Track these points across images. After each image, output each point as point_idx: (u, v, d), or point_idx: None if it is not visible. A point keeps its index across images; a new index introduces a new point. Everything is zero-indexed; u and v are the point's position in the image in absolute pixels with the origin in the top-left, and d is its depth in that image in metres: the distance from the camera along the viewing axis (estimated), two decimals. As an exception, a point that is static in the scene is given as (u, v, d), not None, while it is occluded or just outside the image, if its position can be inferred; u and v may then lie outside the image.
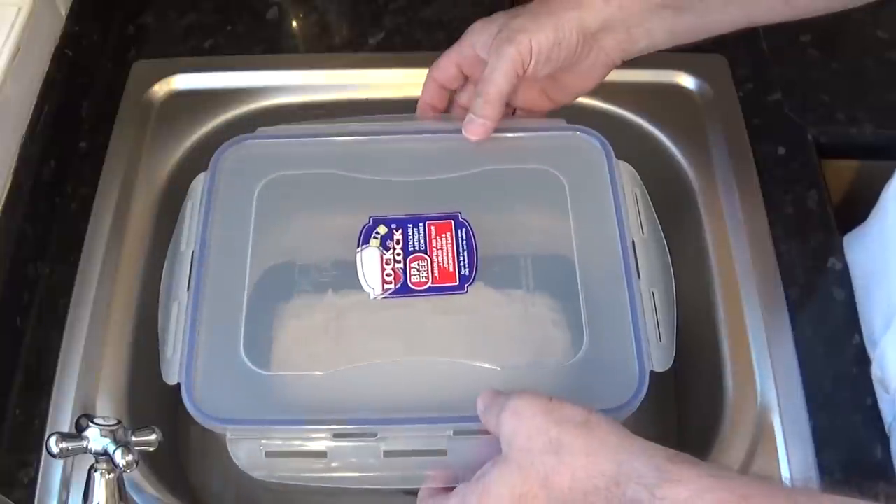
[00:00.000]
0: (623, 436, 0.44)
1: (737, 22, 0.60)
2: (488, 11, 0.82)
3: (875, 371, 0.62)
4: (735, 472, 0.43)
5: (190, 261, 0.62)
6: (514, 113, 0.66)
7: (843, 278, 0.67)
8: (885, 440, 0.61)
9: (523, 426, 0.46)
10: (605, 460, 0.43)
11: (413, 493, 0.70)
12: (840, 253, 0.68)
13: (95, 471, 0.54)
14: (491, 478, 0.46)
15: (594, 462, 0.43)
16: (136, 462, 0.53)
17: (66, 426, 0.61)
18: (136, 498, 0.60)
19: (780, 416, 0.62)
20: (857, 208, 0.79)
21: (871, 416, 0.62)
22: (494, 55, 0.59)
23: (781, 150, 0.73)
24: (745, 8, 0.59)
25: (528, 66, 0.58)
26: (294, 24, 0.83)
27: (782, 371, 0.63)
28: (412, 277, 0.61)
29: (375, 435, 0.57)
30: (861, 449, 0.61)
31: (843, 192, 0.74)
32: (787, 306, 0.66)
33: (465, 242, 0.62)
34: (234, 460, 0.57)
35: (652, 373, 0.59)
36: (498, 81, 0.59)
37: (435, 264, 0.62)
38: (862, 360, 0.64)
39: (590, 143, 0.67)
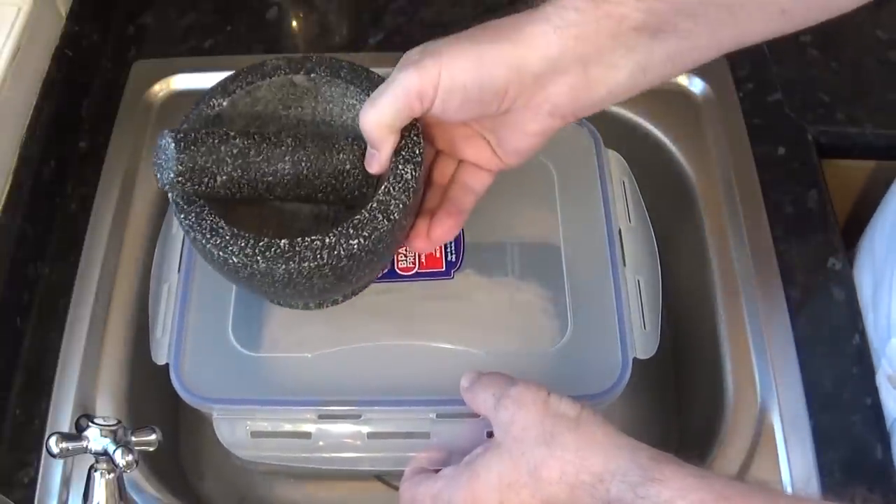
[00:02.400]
0: (611, 433, 0.45)
1: (723, 46, 0.48)
2: (488, 11, 0.82)
3: (885, 366, 0.62)
4: (717, 475, 0.44)
5: (181, 243, 0.63)
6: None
7: (843, 278, 0.67)
8: (885, 440, 0.61)
9: (521, 415, 0.46)
10: (593, 457, 0.44)
11: (387, 483, 0.72)
12: (840, 253, 0.68)
13: (95, 471, 0.54)
14: (481, 463, 0.47)
15: (583, 458, 0.44)
16: (136, 462, 0.53)
17: (66, 426, 0.61)
18: (136, 498, 0.60)
19: (780, 416, 0.62)
20: (858, 208, 0.79)
21: (871, 416, 0.62)
22: (392, 77, 0.48)
23: (781, 150, 0.73)
24: (738, 27, 0.46)
25: (431, 101, 0.47)
26: (294, 24, 0.83)
27: (782, 371, 0.63)
28: (399, 263, 0.62)
29: (360, 416, 0.58)
30: (861, 449, 0.61)
31: (843, 192, 0.74)
32: (787, 306, 0.66)
33: None
34: (220, 439, 0.58)
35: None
36: (380, 106, 0.48)
37: None
38: (862, 360, 0.64)
39: (578, 132, 0.67)
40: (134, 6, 0.83)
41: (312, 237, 0.51)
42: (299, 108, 0.60)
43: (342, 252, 0.51)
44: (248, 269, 0.51)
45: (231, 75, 0.58)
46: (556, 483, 0.44)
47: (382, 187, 0.52)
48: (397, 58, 0.78)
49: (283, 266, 0.51)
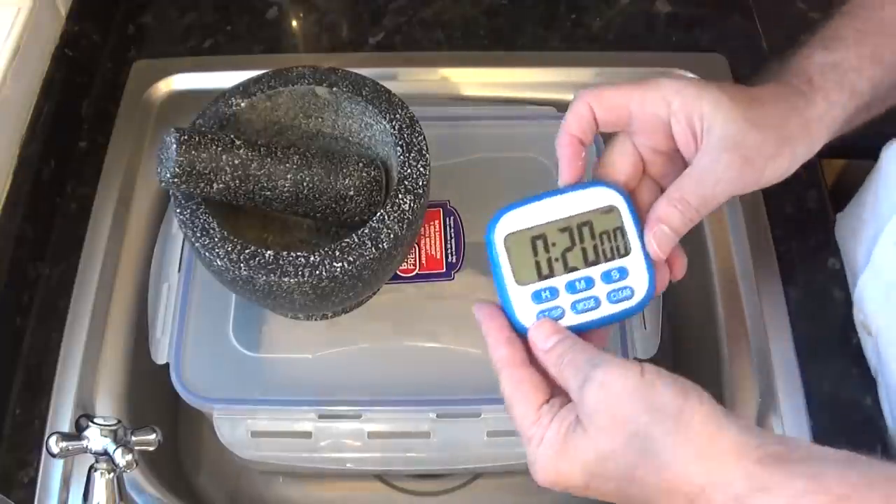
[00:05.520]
0: (716, 428, 0.40)
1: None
2: (488, 11, 0.82)
3: (857, 315, 0.61)
4: (833, 467, 0.39)
5: (181, 243, 0.63)
6: None
7: (843, 278, 0.67)
8: (885, 439, 0.61)
9: (608, 407, 0.41)
10: (694, 465, 0.40)
11: (388, 482, 0.72)
12: (840, 253, 0.68)
13: (95, 470, 0.54)
14: (570, 442, 0.42)
15: (684, 466, 0.40)
16: (136, 462, 0.53)
17: (66, 426, 0.61)
18: (136, 498, 0.60)
19: (780, 416, 0.62)
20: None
21: (871, 416, 0.62)
22: None
23: (781, 150, 0.73)
24: None
25: None
26: (294, 24, 0.83)
27: (782, 371, 0.63)
28: None
29: (360, 416, 0.58)
30: (861, 449, 0.60)
31: (843, 192, 0.74)
32: (787, 306, 0.66)
33: (452, 230, 0.63)
34: (220, 439, 0.58)
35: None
36: None
37: (423, 251, 0.63)
38: (862, 360, 0.64)
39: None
40: (134, 6, 0.83)
41: (297, 253, 0.51)
42: (320, 119, 0.60)
43: (324, 273, 0.51)
44: (231, 274, 0.51)
45: (253, 77, 0.58)
46: (650, 487, 0.41)
47: (378, 215, 0.52)
48: (397, 58, 0.79)
49: (265, 277, 0.51)
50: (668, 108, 0.47)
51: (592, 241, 0.47)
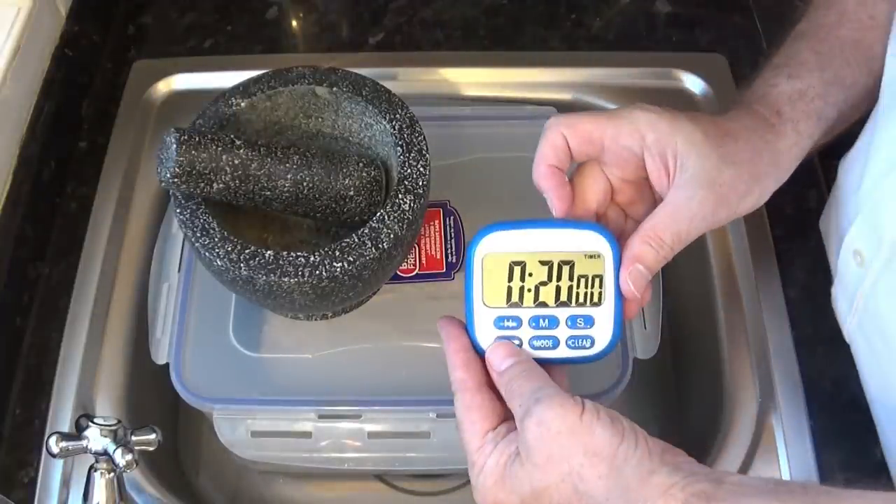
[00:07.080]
0: (647, 472, 0.41)
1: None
2: (488, 11, 0.82)
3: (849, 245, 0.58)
4: (758, 492, 0.40)
5: (181, 243, 0.63)
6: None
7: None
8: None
9: (545, 446, 0.42)
10: None
11: (388, 483, 0.71)
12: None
13: (95, 470, 0.54)
14: (509, 472, 0.43)
15: None
16: (136, 462, 0.53)
17: (66, 426, 0.61)
18: (136, 498, 0.60)
19: (781, 416, 0.62)
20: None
21: (870, 416, 0.61)
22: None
23: (781, 150, 0.73)
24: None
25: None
26: (294, 23, 0.83)
27: (782, 371, 0.63)
28: None
29: (360, 416, 0.58)
30: (861, 449, 0.61)
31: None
32: (787, 306, 0.66)
33: (452, 230, 0.64)
34: (220, 439, 0.59)
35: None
36: None
37: (423, 251, 0.63)
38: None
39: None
40: (134, 6, 0.83)
41: (297, 253, 0.51)
42: (320, 119, 0.60)
43: (324, 273, 0.51)
44: (231, 273, 0.51)
45: (253, 77, 0.58)
46: None
47: (378, 214, 0.52)
48: (397, 58, 0.79)
49: (265, 277, 0.51)
50: (642, 141, 0.47)
51: (569, 281, 0.47)
